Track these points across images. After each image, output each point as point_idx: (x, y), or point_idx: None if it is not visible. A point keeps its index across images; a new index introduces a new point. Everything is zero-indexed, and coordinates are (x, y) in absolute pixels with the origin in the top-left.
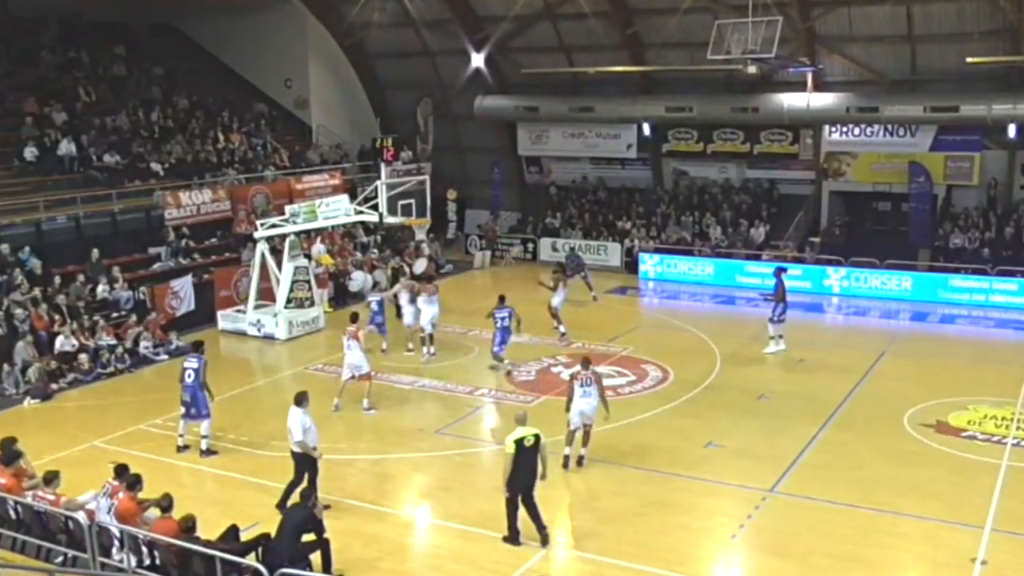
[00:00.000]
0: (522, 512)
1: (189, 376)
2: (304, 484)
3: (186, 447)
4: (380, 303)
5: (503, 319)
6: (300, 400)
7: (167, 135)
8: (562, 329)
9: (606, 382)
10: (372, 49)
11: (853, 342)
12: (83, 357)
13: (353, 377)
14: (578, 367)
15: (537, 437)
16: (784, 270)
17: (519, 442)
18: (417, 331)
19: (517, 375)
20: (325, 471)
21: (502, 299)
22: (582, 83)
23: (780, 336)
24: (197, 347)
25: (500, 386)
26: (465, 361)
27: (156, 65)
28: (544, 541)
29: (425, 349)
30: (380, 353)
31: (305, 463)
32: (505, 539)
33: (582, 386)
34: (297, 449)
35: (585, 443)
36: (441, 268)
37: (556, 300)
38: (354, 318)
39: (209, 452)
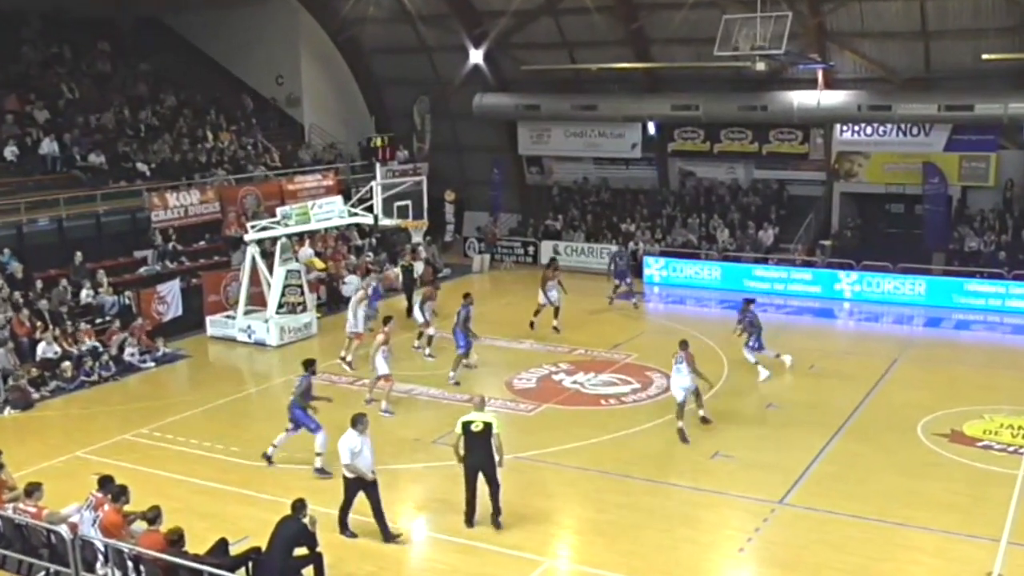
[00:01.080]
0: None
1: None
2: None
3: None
4: (376, 289)
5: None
6: (356, 422)
7: (154, 134)
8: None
9: (608, 390)
10: (367, 45)
11: (865, 349)
12: (66, 364)
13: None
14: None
15: (488, 425)
16: (753, 301)
17: (466, 425)
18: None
19: (518, 383)
20: (317, 483)
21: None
22: (585, 80)
23: (759, 363)
24: (307, 366)
25: (500, 394)
26: (463, 368)
27: (142, 61)
28: (494, 525)
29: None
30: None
31: (357, 485)
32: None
33: (675, 364)
34: (348, 473)
35: (700, 405)
36: (439, 272)
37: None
38: (386, 321)
39: (322, 471)
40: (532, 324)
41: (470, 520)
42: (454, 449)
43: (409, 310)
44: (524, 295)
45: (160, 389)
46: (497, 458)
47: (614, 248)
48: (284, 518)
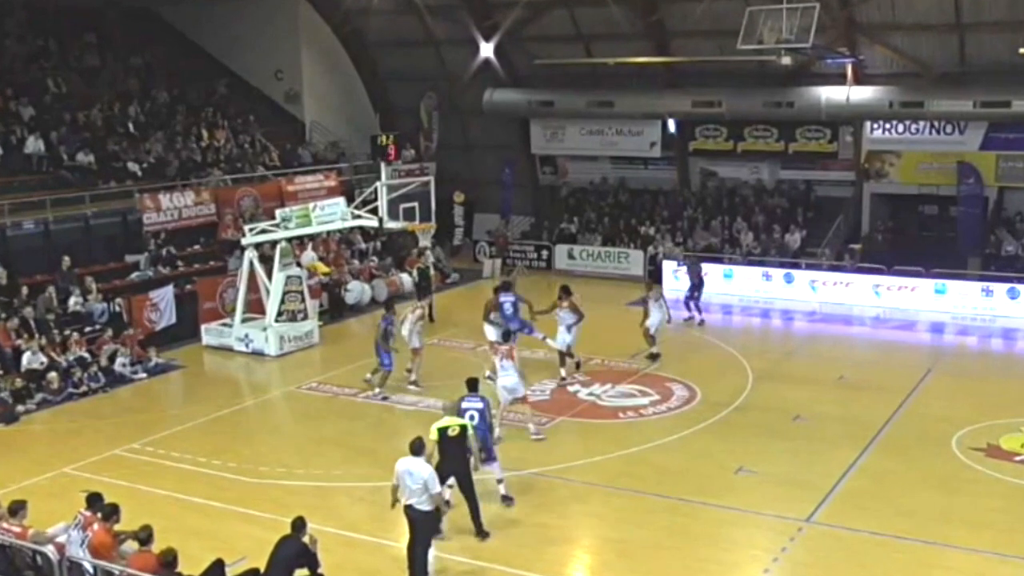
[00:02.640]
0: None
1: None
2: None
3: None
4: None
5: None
6: (417, 448)
7: (145, 132)
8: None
9: (626, 402)
10: (371, 38)
11: (896, 358)
12: (52, 375)
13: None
14: None
15: (464, 428)
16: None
17: (442, 430)
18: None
19: (531, 395)
20: (317, 500)
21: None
22: (601, 75)
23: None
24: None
25: (511, 407)
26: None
27: (133, 55)
28: (479, 535)
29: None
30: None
31: (426, 521)
32: None
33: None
34: (427, 507)
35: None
36: (447, 278)
37: (652, 320)
38: (507, 336)
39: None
40: (572, 366)
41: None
42: (426, 457)
43: (428, 313)
44: (536, 301)
45: (152, 401)
46: (473, 461)
47: (681, 256)
48: (284, 537)
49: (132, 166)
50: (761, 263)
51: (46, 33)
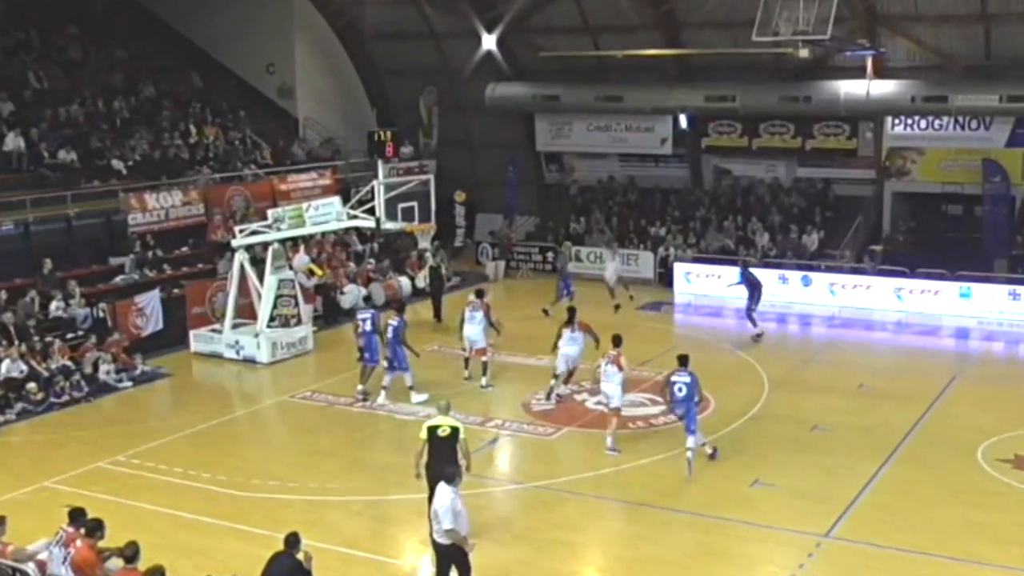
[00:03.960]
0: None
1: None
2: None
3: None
4: (373, 320)
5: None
6: (453, 477)
7: (130, 128)
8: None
9: (636, 411)
10: (368, 30)
11: (919, 365)
12: (33, 385)
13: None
14: None
15: (455, 430)
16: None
17: (432, 430)
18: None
19: (536, 404)
20: (312, 514)
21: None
22: (609, 68)
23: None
24: (399, 309)
25: (516, 417)
26: (475, 387)
27: (117, 47)
28: None
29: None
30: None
31: (452, 555)
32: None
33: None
34: (444, 540)
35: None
36: (449, 280)
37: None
38: (617, 341)
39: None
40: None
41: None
42: (415, 458)
43: (437, 314)
44: (542, 306)
45: (138, 412)
46: (464, 463)
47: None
48: (276, 554)
49: (116, 164)
50: (778, 265)
51: (26, 25)
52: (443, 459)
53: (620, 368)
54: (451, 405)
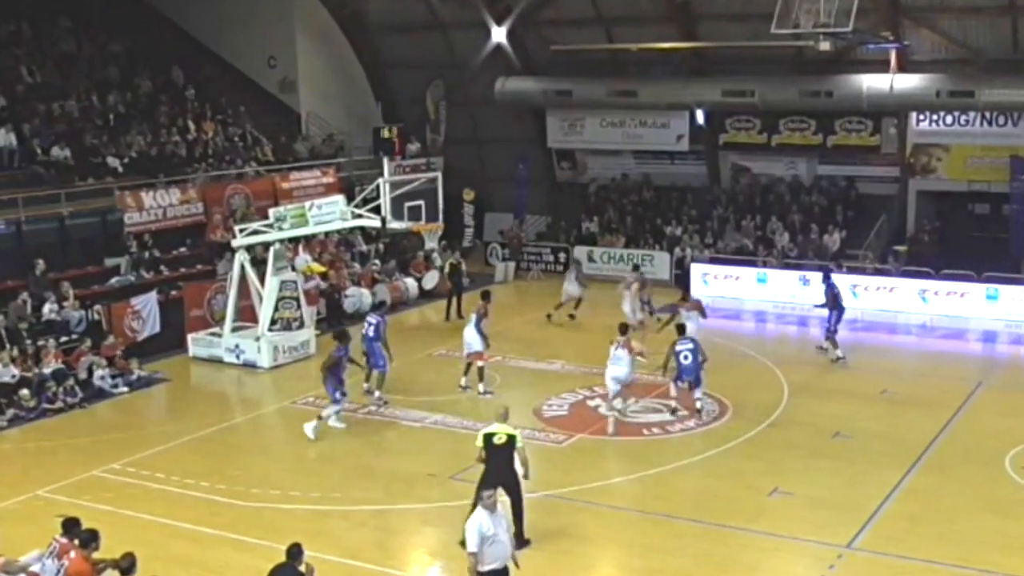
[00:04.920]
0: None
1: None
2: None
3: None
4: (378, 327)
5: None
6: (483, 497)
7: (126, 124)
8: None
9: (651, 418)
10: (372, 21)
11: (944, 370)
12: (25, 391)
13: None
14: None
15: (511, 438)
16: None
17: (488, 437)
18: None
19: (547, 410)
20: (314, 524)
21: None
22: (623, 62)
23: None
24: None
25: (527, 423)
26: (477, 395)
27: (112, 40)
28: (519, 543)
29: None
30: (365, 394)
31: None
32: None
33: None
34: (478, 567)
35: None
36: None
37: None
38: (623, 329)
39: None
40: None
41: None
42: (478, 462)
43: (458, 312)
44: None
45: (135, 418)
46: (523, 471)
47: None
48: (278, 566)
49: (112, 161)
50: (798, 266)
51: (18, 17)
52: (499, 467)
53: (629, 350)
54: (509, 412)
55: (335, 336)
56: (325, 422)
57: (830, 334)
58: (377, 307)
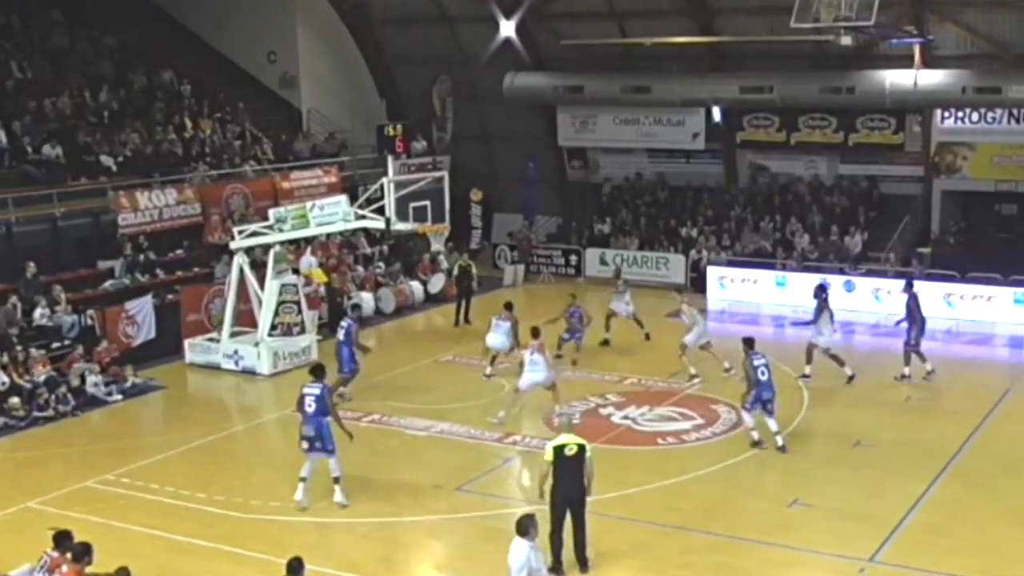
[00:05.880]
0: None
1: (310, 406)
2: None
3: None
4: (348, 330)
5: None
6: (526, 528)
7: (121, 121)
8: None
9: (666, 426)
10: (377, 14)
11: (971, 377)
12: (15, 399)
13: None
14: None
15: (581, 448)
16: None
17: (559, 449)
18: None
19: (558, 419)
20: (316, 537)
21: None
22: (637, 57)
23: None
24: (317, 372)
25: (537, 432)
26: (492, 401)
27: (106, 34)
28: (582, 567)
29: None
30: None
31: None
32: (550, 570)
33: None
34: None
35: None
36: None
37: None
38: (536, 332)
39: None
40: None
41: (559, 566)
42: (539, 481)
43: (465, 317)
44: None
45: (129, 427)
46: (587, 483)
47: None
48: None
49: (105, 160)
50: (818, 269)
51: (7, 10)
52: (571, 480)
53: (544, 354)
54: (573, 422)
55: (311, 371)
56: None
57: (910, 348)
58: (353, 309)
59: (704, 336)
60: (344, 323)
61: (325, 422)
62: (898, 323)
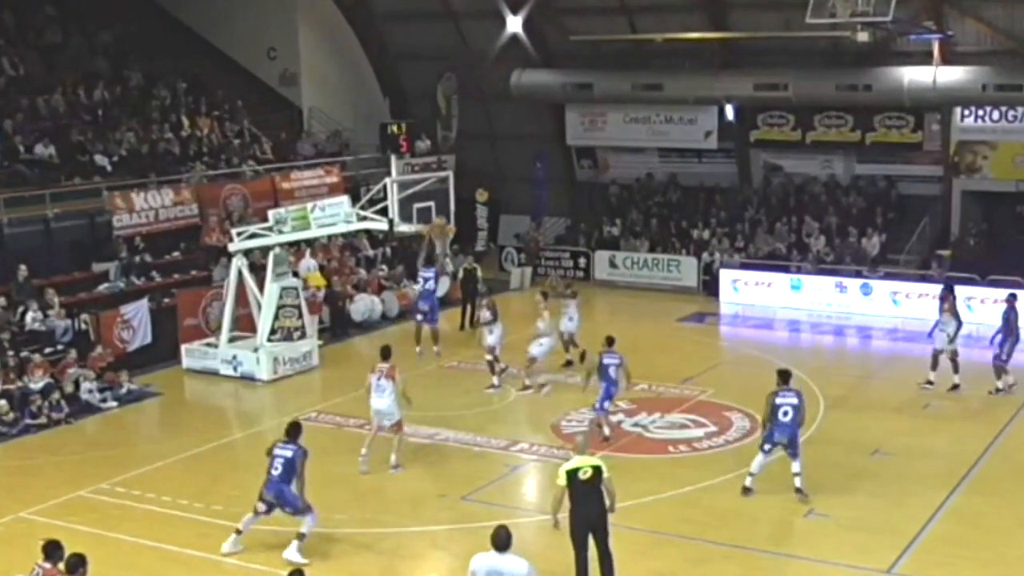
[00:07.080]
0: None
1: (276, 468)
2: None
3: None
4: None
5: (612, 367)
6: (503, 542)
7: (116, 119)
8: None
9: (677, 434)
10: (379, 10)
11: (991, 383)
12: (5, 404)
13: (382, 428)
14: None
15: (597, 470)
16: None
17: (571, 473)
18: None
19: (566, 426)
20: (319, 548)
21: (610, 341)
22: (648, 54)
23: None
24: (292, 432)
25: (545, 440)
26: (499, 408)
27: (101, 30)
28: None
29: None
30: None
31: None
32: None
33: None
34: None
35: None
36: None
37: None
38: (386, 353)
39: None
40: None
41: None
42: (553, 507)
43: (470, 321)
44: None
45: (124, 434)
46: (608, 503)
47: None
48: None
49: (100, 159)
50: (834, 272)
51: (0, 5)
52: (589, 504)
53: (394, 380)
54: (588, 441)
55: (286, 430)
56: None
57: (1001, 362)
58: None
59: (553, 347)
60: (612, 359)
61: (287, 489)
62: (994, 336)
